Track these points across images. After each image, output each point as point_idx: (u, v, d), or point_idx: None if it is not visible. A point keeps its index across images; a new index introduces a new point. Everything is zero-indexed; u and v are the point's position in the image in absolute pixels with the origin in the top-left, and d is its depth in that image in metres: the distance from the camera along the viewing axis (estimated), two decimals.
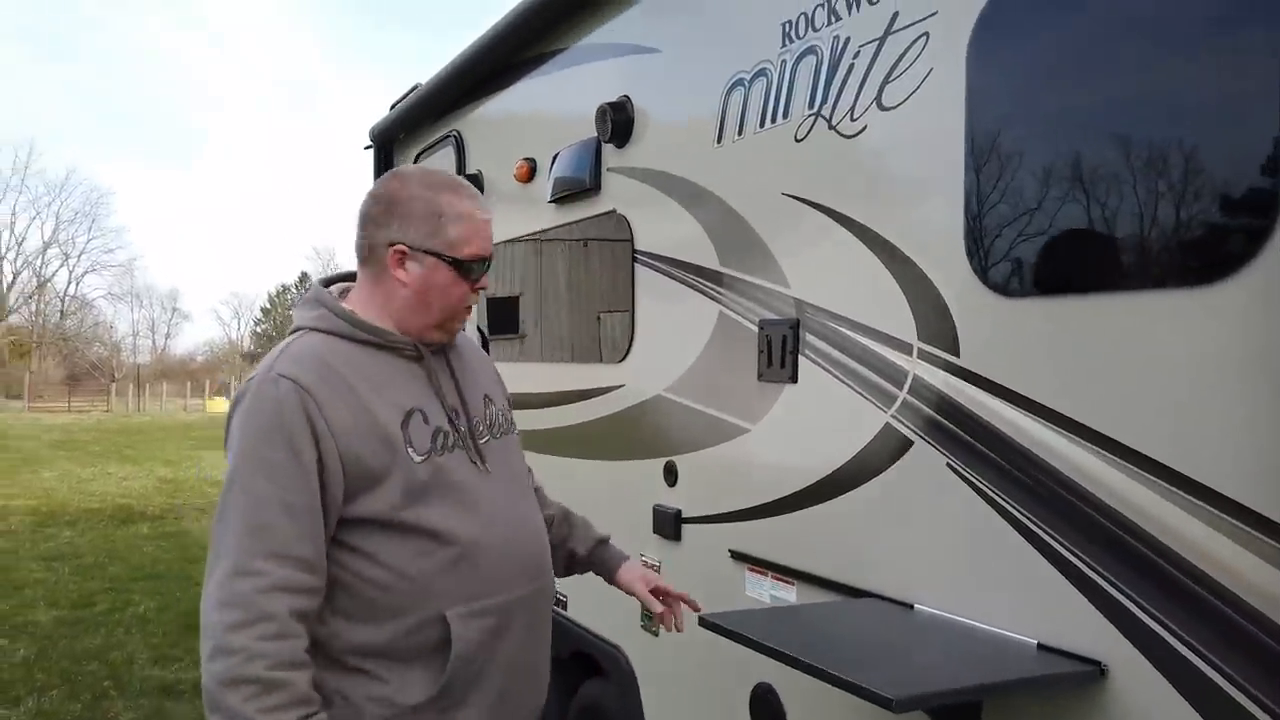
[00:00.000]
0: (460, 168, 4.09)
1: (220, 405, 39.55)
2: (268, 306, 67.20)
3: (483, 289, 1.71)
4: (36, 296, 53.41)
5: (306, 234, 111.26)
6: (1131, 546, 1.42)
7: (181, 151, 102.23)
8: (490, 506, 1.65)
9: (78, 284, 56.11)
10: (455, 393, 1.70)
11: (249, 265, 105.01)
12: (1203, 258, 1.37)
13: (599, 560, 2.01)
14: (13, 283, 52.61)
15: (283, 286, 68.38)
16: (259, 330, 67.23)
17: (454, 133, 4.18)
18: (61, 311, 55.19)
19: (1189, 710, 1.34)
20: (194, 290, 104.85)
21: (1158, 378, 1.41)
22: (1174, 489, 1.37)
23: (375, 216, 1.66)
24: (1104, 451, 1.47)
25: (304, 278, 67.10)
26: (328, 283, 1.75)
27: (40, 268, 53.53)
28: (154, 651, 5.54)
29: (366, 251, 1.66)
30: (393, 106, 4.94)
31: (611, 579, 2.00)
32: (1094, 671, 1.46)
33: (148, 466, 15.69)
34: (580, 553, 1.99)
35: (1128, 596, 1.43)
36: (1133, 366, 1.44)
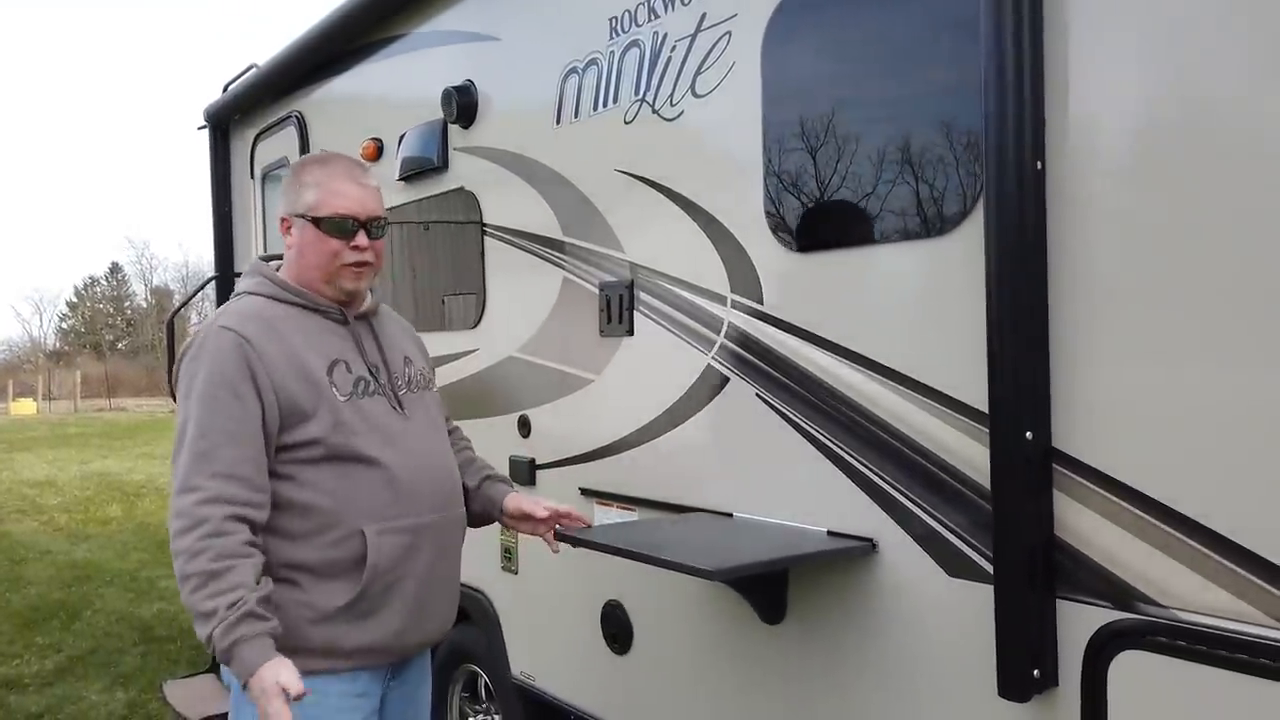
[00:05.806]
0: (304, 147, 4.18)
1: (26, 408, 36.83)
2: (74, 301, 62.08)
3: (360, 247, 1.93)
4: None
5: (118, 223, 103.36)
6: (891, 445, 1.81)
7: None
8: (405, 442, 1.93)
9: None
10: (377, 351, 2.00)
11: (51, 258, 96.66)
12: (934, 217, 1.77)
13: (486, 494, 2.19)
14: None
15: (91, 279, 63.36)
16: (65, 326, 62.03)
17: (295, 113, 4.25)
18: None
19: (930, 562, 1.75)
20: None
21: (904, 309, 1.81)
22: (919, 395, 1.77)
23: (279, 199, 1.97)
24: (869, 371, 1.85)
25: (115, 268, 62.50)
26: (267, 259, 2.06)
27: None
28: None
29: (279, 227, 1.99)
30: (226, 87, 4.92)
31: (501, 511, 2.18)
32: (868, 546, 1.86)
33: None
34: (470, 485, 2.17)
35: (890, 485, 1.83)
36: (886, 301, 1.84)
